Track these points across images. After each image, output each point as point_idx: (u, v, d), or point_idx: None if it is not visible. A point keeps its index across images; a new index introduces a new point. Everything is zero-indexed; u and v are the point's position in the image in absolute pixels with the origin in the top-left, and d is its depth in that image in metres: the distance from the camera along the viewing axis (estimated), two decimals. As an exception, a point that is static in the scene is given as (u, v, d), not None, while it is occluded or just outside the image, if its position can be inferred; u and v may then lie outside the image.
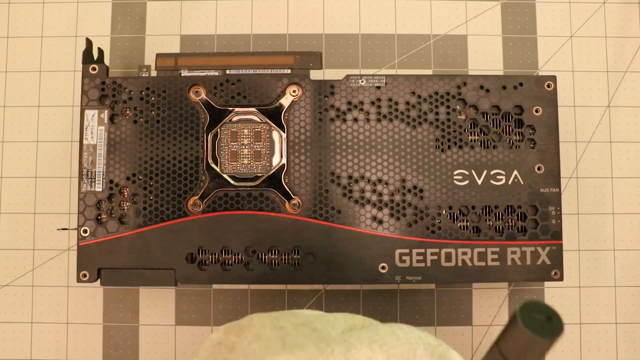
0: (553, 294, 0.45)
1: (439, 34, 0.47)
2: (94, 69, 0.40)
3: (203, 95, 0.40)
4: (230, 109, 0.40)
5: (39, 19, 0.47)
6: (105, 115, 0.40)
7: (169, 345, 0.44)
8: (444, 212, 0.40)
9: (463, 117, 0.40)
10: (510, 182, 0.40)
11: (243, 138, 0.40)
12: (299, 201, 0.39)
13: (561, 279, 0.39)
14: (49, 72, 0.46)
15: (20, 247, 0.45)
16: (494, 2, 0.47)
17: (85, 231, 0.39)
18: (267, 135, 0.40)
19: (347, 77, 0.40)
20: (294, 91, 0.40)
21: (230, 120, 0.40)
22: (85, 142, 0.40)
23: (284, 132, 0.40)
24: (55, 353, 0.44)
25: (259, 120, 0.40)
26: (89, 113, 0.40)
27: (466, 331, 0.45)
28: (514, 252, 0.39)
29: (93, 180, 0.40)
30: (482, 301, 0.45)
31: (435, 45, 0.47)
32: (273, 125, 0.40)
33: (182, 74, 0.41)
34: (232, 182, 0.40)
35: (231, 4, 0.47)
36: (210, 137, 0.40)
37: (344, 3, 0.47)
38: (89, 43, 0.41)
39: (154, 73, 0.41)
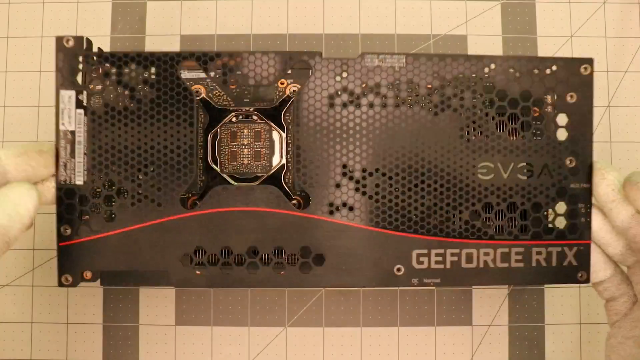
0: (553, 294, 0.45)
1: (439, 34, 0.47)
2: (67, 40, 0.36)
3: (203, 95, 0.40)
4: (230, 109, 0.40)
5: (39, 19, 0.47)
6: (85, 97, 0.36)
7: (169, 345, 0.44)
8: (465, 209, 0.37)
9: (488, 103, 0.37)
10: (538, 176, 0.37)
11: (243, 138, 0.40)
12: (299, 201, 0.39)
13: (587, 280, 0.37)
14: (49, 72, 0.46)
15: (20, 247, 0.45)
16: (493, 2, 0.47)
17: (65, 230, 0.36)
18: (267, 135, 0.40)
19: (363, 55, 0.37)
20: (294, 91, 0.40)
21: (230, 120, 0.40)
22: (62, 128, 0.35)
23: (284, 132, 0.40)
24: (55, 353, 0.44)
25: (259, 120, 0.40)
26: (64, 94, 0.35)
27: (466, 331, 0.45)
28: (539, 253, 0.37)
29: (72, 172, 0.36)
30: (482, 301, 0.45)
31: (435, 45, 0.47)
32: (273, 125, 0.40)
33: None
34: (231, 182, 0.40)
35: (231, 4, 0.47)
36: (210, 137, 0.40)
37: (344, 3, 0.47)
38: (89, 43, 0.41)
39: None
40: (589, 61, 0.37)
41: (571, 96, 0.37)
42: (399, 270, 0.37)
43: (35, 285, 0.45)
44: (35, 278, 0.45)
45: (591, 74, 0.37)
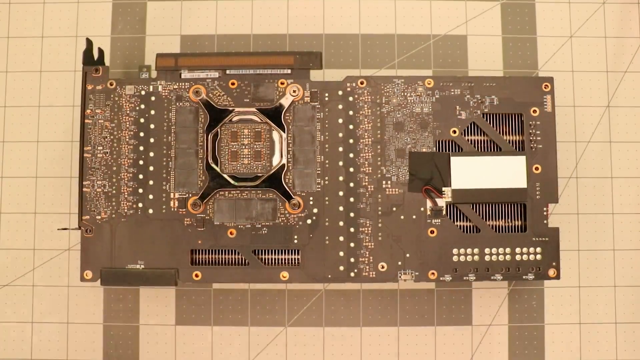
0: (553, 294, 0.45)
1: (439, 34, 0.47)
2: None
3: (203, 95, 0.40)
4: (230, 109, 0.40)
5: (40, 19, 0.47)
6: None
7: (169, 345, 0.44)
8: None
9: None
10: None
11: (243, 138, 0.40)
12: (299, 201, 0.39)
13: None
14: (49, 72, 0.46)
15: (20, 247, 0.45)
16: (493, 2, 0.47)
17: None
18: (267, 135, 0.40)
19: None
20: (294, 91, 0.40)
21: (231, 120, 0.40)
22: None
23: (284, 132, 0.40)
24: (56, 353, 0.44)
25: (259, 120, 0.40)
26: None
27: (466, 331, 0.45)
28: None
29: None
30: (482, 301, 0.45)
31: (435, 45, 0.47)
32: (273, 125, 0.40)
33: (183, 74, 0.41)
34: (232, 182, 0.40)
35: (231, 4, 0.47)
36: (210, 137, 0.40)
37: (344, 3, 0.47)
38: (89, 43, 0.41)
39: (154, 73, 0.41)
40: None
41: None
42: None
43: (35, 285, 0.45)
44: (36, 278, 0.45)
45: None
